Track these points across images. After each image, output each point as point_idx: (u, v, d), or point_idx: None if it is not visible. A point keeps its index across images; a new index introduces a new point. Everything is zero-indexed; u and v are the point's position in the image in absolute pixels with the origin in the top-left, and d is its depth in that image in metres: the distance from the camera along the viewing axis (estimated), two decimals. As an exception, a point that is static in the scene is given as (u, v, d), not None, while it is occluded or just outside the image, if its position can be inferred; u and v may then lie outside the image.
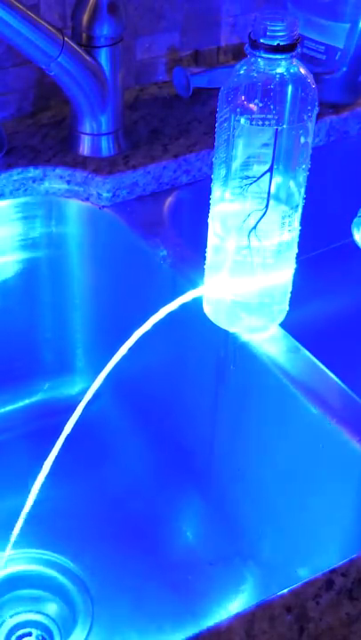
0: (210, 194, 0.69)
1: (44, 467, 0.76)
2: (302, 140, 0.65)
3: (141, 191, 0.90)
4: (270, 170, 0.65)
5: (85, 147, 0.91)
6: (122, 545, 0.87)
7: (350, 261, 0.90)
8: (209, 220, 0.70)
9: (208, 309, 0.74)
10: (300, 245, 0.70)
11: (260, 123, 0.63)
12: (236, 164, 0.66)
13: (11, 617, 0.82)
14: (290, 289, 0.73)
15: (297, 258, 0.71)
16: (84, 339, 0.99)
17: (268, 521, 0.81)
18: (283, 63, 0.62)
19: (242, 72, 0.63)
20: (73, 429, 0.76)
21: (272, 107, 0.63)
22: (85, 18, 0.85)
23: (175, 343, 0.85)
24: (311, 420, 0.70)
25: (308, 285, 0.79)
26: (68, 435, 0.76)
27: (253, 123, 0.63)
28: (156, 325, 0.73)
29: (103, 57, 0.87)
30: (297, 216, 0.68)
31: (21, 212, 0.91)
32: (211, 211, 0.70)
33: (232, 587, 0.83)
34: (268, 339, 0.75)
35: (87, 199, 0.90)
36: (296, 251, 0.70)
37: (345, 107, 1.00)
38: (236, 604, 0.82)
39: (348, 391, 0.71)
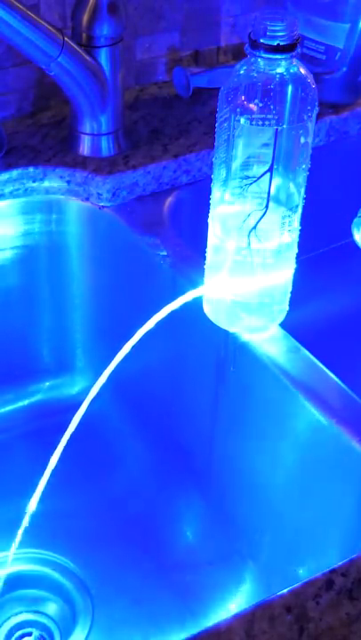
0: (210, 194, 0.69)
1: (48, 467, 0.76)
2: (302, 140, 0.65)
3: (141, 191, 0.91)
4: (270, 170, 0.65)
5: (85, 147, 0.91)
6: (122, 545, 0.87)
7: (350, 261, 0.90)
8: (209, 220, 0.70)
9: (208, 309, 0.74)
10: (300, 245, 0.70)
11: (260, 123, 0.63)
12: (236, 164, 0.66)
13: (11, 617, 0.82)
14: (290, 289, 0.73)
15: (297, 258, 0.71)
16: (84, 339, 0.99)
17: (267, 521, 0.81)
18: (283, 63, 0.62)
19: (242, 72, 0.63)
20: (73, 429, 0.76)
21: (272, 107, 0.63)
22: (85, 18, 0.85)
23: (175, 343, 0.85)
24: (311, 420, 0.70)
25: (308, 285, 0.79)
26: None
27: (253, 123, 0.63)
28: (156, 325, 0.73)
29: (103, 57, 0.87)
30: (297, 216, 0.68)
31: (21, 212, 0.91)
32: (211, 211, 0.70)
33: (232, 587, 0.83)
34: (268, 339, 0.75)
35: (87, 199, 0.90)
36: (296, 251, 0.70)
37: (345, 107, 1.00)
38: (235, 603, 0.82)
39: (349, 391, 0.71)
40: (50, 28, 0.82)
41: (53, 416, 0.99)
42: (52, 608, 0.83)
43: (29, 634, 0.82)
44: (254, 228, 0.67)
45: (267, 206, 0.66)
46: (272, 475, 0.78)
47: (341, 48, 0.96)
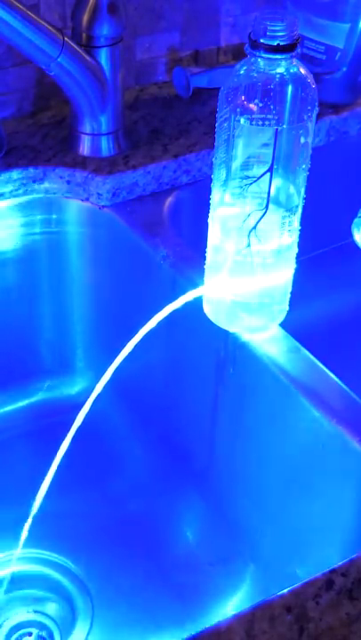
0: (210, 194, 0.69)
1: (51, 468, 0.76)
2: (302, 140, 0.65)
3: (141, 191, 0.91)
4: (270, 170, 0.65)
5: (85, 147, 0.91)
6: (122, 545, 0.87)
7: (350, 262, 0.90)
8: (209, 220, 0.70)
9: (208, 309, 0.74)
10: (300, 245, 0.70)
11: (260, 123, 0.63)
12: (236, 164, 0.66)
13: (11, 617, 0.82)
14: (290, 289, 0.73)
15: (297, 258, 0.71)
16: (84, 339, 0.99)
17: (268, 521, 0.81)
18: (283, 63, 0.62)
19: (242, 72, 0.63)
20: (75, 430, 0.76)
21: (272, 107, 0.63)
22: (85, 18, 0.85)
23: (175, 343, 0.85)
24: (311, 420, 0.70)
25: (308, 285, 0.79)
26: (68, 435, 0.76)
27: (253, 123, 0.63)
28: (156, 325, 0.73)
29: (103, 57, 0.87)
30: (297, 216, 0.68)
31: (21, 212, 0.91)
32: (211, 211, 0.70)
33: (232, 587, 0.83)
34: (268, 339, 0.75)
35: (87, 199, 0.90)
36: (296, 251, 0.70)
37: (345, 107, 1.00)
38: (235, 604, 0.82)
39: (349, 391, 0.71)
40: (50, 28, 0.82)
41: (53, 416, 0.99)
42: (52, 608, 0.83)
43: (29, 634, 0.82)
44: (254, 228, 0.67)
45: (267, 206, 0.66)
46: (272, 475, 0.78)
47: (341, 48, 0.96)
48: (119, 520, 0.89)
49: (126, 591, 0.83)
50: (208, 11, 1.03)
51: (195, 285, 0.75)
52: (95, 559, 0.86)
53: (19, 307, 0.96)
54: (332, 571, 0.57)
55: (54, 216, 0.92)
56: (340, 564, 0.58)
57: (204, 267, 0.73)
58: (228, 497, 0.86)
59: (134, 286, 0.91)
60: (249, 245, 0.68)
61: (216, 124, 0.66)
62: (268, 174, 0.65)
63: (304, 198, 0.68)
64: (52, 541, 0.85)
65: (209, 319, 0.74)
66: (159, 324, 0.73)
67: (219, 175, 0.67)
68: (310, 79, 0.64)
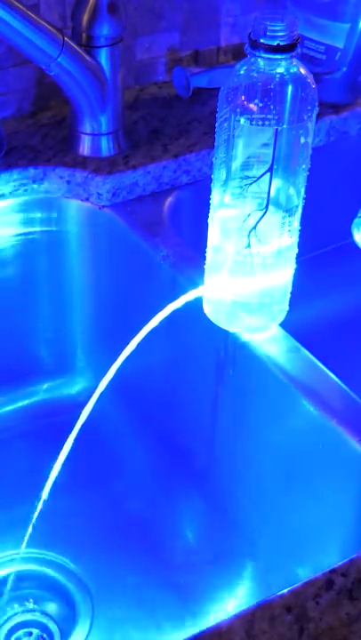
0: (210, 194, 0.69)
1: (54, 469, 0.76)
2: (302, 140, 0.65)
3: (141, 191, 0.90)
4: (270, 170, 0.65)
5: (85, 147, 0.91)
6: (122, 545, 0.87)
7: (350, 262, 0.90)
8: (209, 220, 0.70)
9: (208, 309, 0.74)
10: (300, 246, 0.70)
11: (260, 123, 0.63)
12: (236, 164, 0.66)
13: (11, 617, 0.82)
14: (290, 289, 0.73)
15: (297, 258, 0.71)
16: (84, 339, 0.99)
17: (268, 521, 0.81)
18: (283, 63, 0.62)
19: (242, 72, 0.63)
20: (73, 430, 0.76)
21: (272, 107, 0.63)
22: (85, 18, 0.85)
23: (175, 343, 0.85)
24: (311, 420, 0.70)
25: (308, 285, 0.79)
26: (68, 435, 0.76)
27: (253, 123, 0.63)
28: (156, 325, 0.73)
29: (103, 57, 0.87)
30: (297, 216, 0.68)
31: (21, 212, 0.91)
32: (211, 211, 0.70)
33: (232, 587, 0.83)
34: (268, 339, 0.75)
35: (87, 199, 0.90)
36: (296, 251, 0.70)
37: (345, 107, 1.00)
38: (235, 603, 0.82)
39: (349, 391, 0.71)
40: (50, 27, 0.82)
41: (53, 416, 0.99)
42: (52, 608, 0.83)
43: (29, 634, 0.82)
44: (254, 228, 0.67)
45: (267, 206, 0.66)
46: (272, 474, 0.78)
47: (341, 48, 0.96)
48: (119, 519, 0.89)
49: (126, 591, 0.83)
50: (208, 11, 1.03)
51: (195, 285, 0.75)
52: (95, 559, 0.86)
53: (19, 307, 0.96)
54: (332, 571, 0.57)
55: (54, 216, 0.92)
56: (340, 563, 0.58)
57: (204, 267, 0.73)
58: (228, 497, 0.86)
59: (134, 286, 0.91)
60: (249, 245, 0.68)
61: (216, 124, 0.66)
62: (268, 174, 0.65)
63: (304, 198, 0.68)
64: (52, 541, 0.85)
65: (209, 319, 0.74)
66: (159, 324, 0.73)
67: (219, 175, 0.67)
68: (310, 79, 0.64)
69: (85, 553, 0.86)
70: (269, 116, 0.63)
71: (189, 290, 0.75)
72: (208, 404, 0.84)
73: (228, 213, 0.68)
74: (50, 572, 0.85)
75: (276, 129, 0.63)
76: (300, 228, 0.69)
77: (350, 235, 0.83)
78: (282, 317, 0.74)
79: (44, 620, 0.83)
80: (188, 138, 0.94)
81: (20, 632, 0.82)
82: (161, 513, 0.89)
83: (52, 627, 0.82)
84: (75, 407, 0.98)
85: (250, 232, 0.67)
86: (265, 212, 0.66)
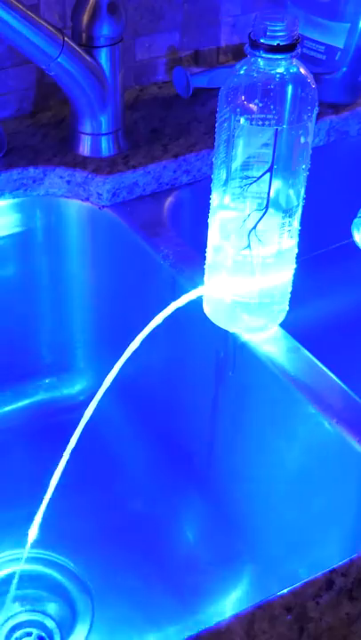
0: (210, 194, 0.69)
1: (57, 471, 0.76)
2: (302, 140, 0.65)
3: (141, 191, 0.90)
4: (270, 170, 0.65)
5: (85, 147, 0.91)
6: (122, 545, 0.87)
7: (350, 262, 0.90)
8: (209, 220, 0.70)
9: (208, 309, 0.74)
10: (300, 246, 0.70)
11: (260, 123, 0.63)
12: (236, 164, 0.66)
13: (11, 617, 0.82)
14: (290, 289, 0.73)
15: (297, 258, 0.71)
16: (84, 339, 0.99)
17: (268, 521, 0.81)
18: (283, 63, 0.62)
19: (242, 72, 0.63)
20: (73, 430, 0.76)
21: (272, 107, 0.63)
22: (85, 18, 0.85)
23: (175, 343, 0.85)
24: (311, 420, 0.70)
25: (308, 285, 0.79)
26: (68, 435, 0.76)
27: (253, 123, 0.63)
28: (156, 325, 0.73)
29: (103, 57, 0.87)
30: (297, 216, 0.68)
31: (21, 212, 0.91)
32: (211, 211, 0.70)
33: (232, 587, 0.83)
34: (268, 339, 0.75)
35: (87, 199, 0.90)
36: (296, 251, 0.70)
37: (345, 107, 1.00)
38: (235, 603, 0.82)
39: (349, 391, 0.71)
40: (50, 27, 0.82)
41: (53, 416, 0.99)
42: (52, 608, 0.83)
43: (29, 634, 0.82)
44: (254, 228, 0.67)
45: (267, 206, 0.66)
46: (272, 475, 0.78)
47: (341, 48, 0.96)
48: (119, 520, 0.89)
49: (126, 591, 0.83)
50: (208, 11, 1.03)
51: (195, 285, 0.75)
52: (95, 559, 0.86)
53: (19, 307, 0.96)
54: (332, 571, 0.57)
55: (54, 216, 0.92)
56: (340, 563, 0.58)
57: (204, 267, 0.73)
58: (228, 497, 0.86)
59: (134, 286, 0.91)
60: (249, 246, 0.68)
61: (216, 124, 0.66)
62: (268, 174, 0.65)
63: (304, 198, 0.68)
64: (52, 541, 0.85)
65: (209, 319, 0.74)
66: (159, 324, 0.73)
67: (219, 175, 0.67)
68: (310, 79, 0.64)
69: (85, 553, 0.86)
70: (269, 116, 0.63)
71: (189, 290, 0.75)
72: (208, 403, 0.84)
73: (228, 214, 0.68)
74: (50, 571, 0.85)
75: (276, 129, 0.63)
76: (300, 228, 0.69)
77: (350, 235, 0.83)
78: (282, 317, 0.74)
79: (44, 620, 0.82)
80: (188, 138, 0.94)
81: (20, 632, 0.82)
82: (161, 513, 0.89)
83: (52, 627, 0.82)
84: (75, 407, 0.98)
85: (250, 232, 0.67)
86: (265, 213, 0.66)
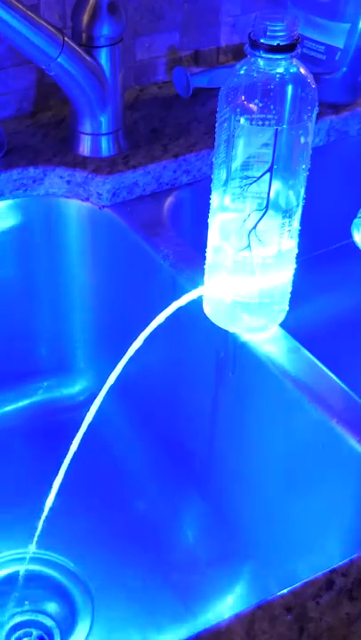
0: (210, 194, 0.69)
1: (60, 472, 0.76)
2: (302, 139, 0.65)
3: (141, 191, 0.90)
4: (270, 170, 0.65)
5: (85, 147, 0.91)
6: (122, 545, 0.87)
7: (350, 262, 0.90)
8: (209, 220, 0.70)
9: (208, 309, 0.74)
10: (300, 246, 0.70)
11: (260, 123, 0.63)
12: (236, 164, 0.66)
13: (11, 617, 0.82)
14: (290, 289, 0.73)
15: (297, 258, 0.71)
16: (84, 339, 0.99)
17: (267, 521, 0.81)
18: (283, 63, 0.62)
19: (242, 72, 0.63)
20: (73, 430, 0.76)
21: (272, 107, 0.63)
22: (85, 18, 0.85)
23: (175, 343, 0.85)
24: (311, 419, 0.70)
25: (308, 285, 0.79)
26: (68, 435, 0.76)
27: (253, 123, 0.63)
28: (156, 325, 0.73)
29: (103, 57, 0.87)
30: (297, 216, 0.68)
31: (21, 212, 0.91)
32: (211, 211, 0.70)
33: (232, 586, 0.83)
34: (268, 339, 0.75)
35: (87, 199, 0.90)
36: (296, 251, 0.70)
37: (345, 107, 1.00)
38: (235, 603, 0.82)
39: (349, 391, 0.71)
40: (50, 27, 0.82)
41: (53, 416, 0.99)
42: (52, 608, 0.83)
43: (29, 634, 0.82)
44: (254, 228, 0.67)
45: (267, 207, 0.66)
46: (272, 475, 0.78)
47: (341, 48, 0.96)
48: (119, 520, 0.89)
49: (127, 591, 0.83)
50: (208, 11, 1.03)
51: (195, 285, 0.75)
52: (95, 559, 0.86)
53: (19, 306, 0.96)
54: (333, 571, 0.57)
55: (54, 216, 0.92)
56: (340, 563, 0.58)
57: (204, 267, 0.73)
58: (227, 497, 0.86)
59: (134, 286, 0.91)
60: (249, 246, 0.68)
61: (216, 124, 0.66)
62: (268, 174, 0.65)
63: (304, 198, 0.68)
64: (52, 541, 0.85)
65: (209, 319, 0.74)
66: (160, 324, 0.73)
67: (219, 175, 0.67)
68: (310, 79, 0.64)
69: (85, 553, 0.86)
70: (269, 116, 0.63)
71: (189, 290, 0.75)
72: (208, 403, 0.84)
73: (228, 214, 0.68)
74: (50, 571, 0.85)
75: (276, 129, 0.63)
76: (300, 228, 0.69)
77: (350, 235, 0.83)
78: (282, 317, 0.74)
79: (45, 620, 0.82)
80: (188, 138, 0.94)
81: (20, 632, 0.82)
82: (161, 513, 0.89)
83: (52, 627, 0.82)
84: (75, 407, 0.98)
85: (250, 232, 0.67)
86: (265, 213, 0.66)
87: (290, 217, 0.67)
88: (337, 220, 0.85)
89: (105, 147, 0.91)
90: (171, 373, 0.90)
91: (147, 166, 0.90)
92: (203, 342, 0.81)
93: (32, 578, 0.84)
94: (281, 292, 0.72)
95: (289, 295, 0.73)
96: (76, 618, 0.82)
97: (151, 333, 0.73)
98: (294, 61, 0.63)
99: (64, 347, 1.00)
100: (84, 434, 0.76)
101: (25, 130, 0.95)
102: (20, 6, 0.79)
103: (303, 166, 0.66)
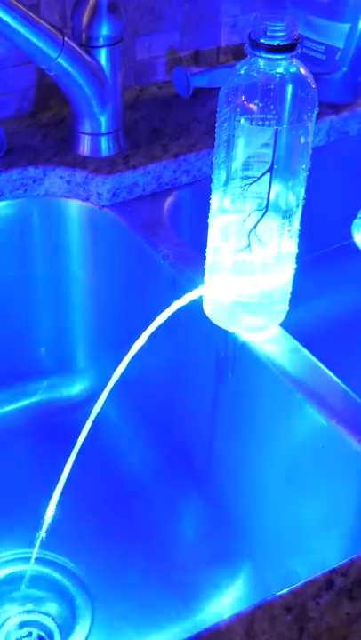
0: (210, 194, 0.69)
1: (63, 473, 0.76)
2: (302, 139, 0.65)
3: (141, 191, 0.91)
4: (270, 170, 0.65)
5: (85, 147, 0.91)
6: (122, 544, 0.87)
7: (350, 262, 0.90)
8: (209, 220, 0.70)
9: (208, 309, 0.74)
10: (300, 246, 0.70)
11: (260, 123, 0.63)
12: (236, 165, 0.66)
13: (11, 617, 0.82)
14: (290, 289, 0.73)
15: (297, 258, 0.71)
16: (84, 339, 0.99)
17: (267, 521, 0.81)
18: (283, 63, 0.62)
19: (242, 72, 0.63)
20: (73, 430, 0.76)
21: (272, 107, 0.63)
22: (85, 18, 0.85)
23: (175, 343, 0.85)
24: (311, 419, 0.70)
25: (308, 285, 0.79)
26: (68, 435, 0.76)
27: (253, 123, 0.63)
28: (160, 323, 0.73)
29: (103, 57, 0.87)
30: (297, 217, 0.68)
31: (21, 212, 0.91)
32: (211, 211, 0.70)
33: (232, 586, 0.83)
34: (268, 339, 0.75)
35: (87, 199, 0.90)
36: (296, 251, 0.70)
37: (345, 107, 1.00)
38: (235, 603, 0.82)
39: (349, 391, 0.71)
40: (50, 27, 0.82)
41: (53, 416, 0.99)
42: (52, 608, 0.83)
43: (29, 634, 0.82)
44: (254, 228, 0.67)
45: (267, 207, 0.66)
46: (272, 475, 0.78)
47: (341, 48, 0.96)
48: (119, 519, 0.89)
49: (126, 590, 0.83)
50: (208, 11, 1.03)
51: (195, 285, 0.75)
52: (95, 559, 0.86)
53: (18, 306, 0.96)
54: (333, 571, 0.57)
55: (54, 216, 0.92)
56: (340, 563, 0.58)
57: (204, 267, 0.73)
58: (227, 496, 0.86)
59: (134, 286, 0.91)
60: (249, 246, 0.68)
61: (216, 124, 0.66)
62: (268, 174, 0.65)
63: (304, 198, 0.68)
64: (51, 541, 0.85)
65: (209, 319, 0.74)
66: (160, 324, 0.73)
67: (219, 175, 0.67)
68: (310, 79, 0.64)
69: (85, 553, 0.86)
70: (269, 116, 0.63)
71: (189, 290, 0.75)
72: (208, 403, 0.84)
73: (227, 214, 0.68)
74: (50, 572, 0.85)
75: (276, 129, 0.63)
76: (300, 228, 0.69)
77: (350, 235, 0.83)
78: (282, 317, 0.74)
79: (44, 620, 0.82)
80: (188, 138, 0.94)
81: (20, 632, 0.82)
82: (161, 513, 0.89)
83: (52, 627, 0.82)
84: (75, 407, 0.98)
85: (250, 232, 0.67)
86: (265, 213, 0.66)
87: (290, 217, 0.67)
88: (337, 220, 0.85)
89: (105, 147, 0.91)
90: (171, 373, 0.90)
91: (147, 166, 0.90)
92: (203, 342, 0.81)
93: (32, 578, 0.84)
94: (281, 292, 0.72)
95: (289, 295, 0.73)
96: (76, 618, 0.82)
97: (151, 333, 0.73)
98: (294, 61, 0.63)
99: (64, 347, 1.00)
100: (82, 432, 0.76)
101: (25, 130, 0.95)
102: (20, 6, 0.79)
103: (303, 166, 0.66)
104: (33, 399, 1.00)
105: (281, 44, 0.62)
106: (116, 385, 0.75)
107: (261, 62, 0.63)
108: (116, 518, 0.89)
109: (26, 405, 0.99)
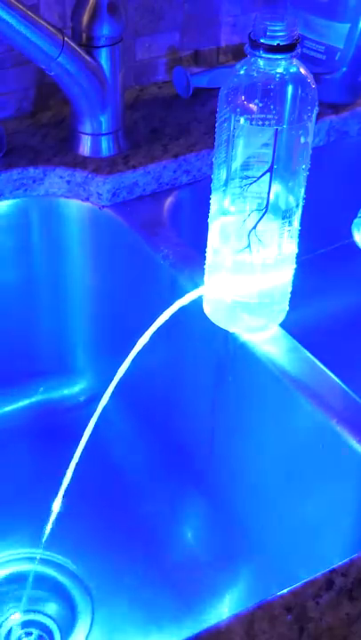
0: (210, 194, 0.69)
1: (68, 471, 0.76)
2: (302, 140, 0.65)
3: (141, 191, 0.91)
4: (270, 170, 0.65)
5: (85, 147, 0.91)
6: (122, 545, 0.87)
7: (350, 262, 0.90)
8: (209, 220, 0.70)
9: (208, 309, 0.74)
10: (300, 246, 0.70)
11: (260, 123, 0.63)
12: (236, 165, 0.66)
13: (11, 617, 0.82)
14: (290, 289, 0.73)
15: (297, 258, 0.71)
16: (84, 339, 0.99)
17: (267, 521, 0.81)
18: (283, 63, 0.62)
19: (242, 72, 0.63)
20: (73, 430, 0.76)
21: (272, 107, 0.63)
22: (85, 18, 0.85)
23: (175, 343, 0.85)
24: (311, 420, 0.70)
25: (308, 285, 0.79)
26: (68, 435, 0.76)
27: (253, 123, 0.63)
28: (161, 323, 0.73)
29: (103, 57, 0.87)
30: (297, 217, 0.68)
31: (21, 212, 0.91)
32: (211, 211, 0.70)
33: (232, 586, 0.83)
34: (268, 339, 0.75)
35: (87, 199, 0.90)
36: (296, 251, 0.70)
37: (345, 107, 1.00)
38: (235, 603, 0.82)
39: (349, 391, 0.71)
40: (50, 27, 0.82)
41: (53, 416, 0.99)
42: (52, 608, 0.83)
43: (29, 634, 0.82)
44: (254, 228, 0.67)
45: (267, 207, 0.66)
46: (272, 475, 0.78)
47: (341, 48, 0.96)
48: (119, 520, 0.89)
49: (127, 591, 0.83)
50: (208, 11, 1.03)
51: (195, 285, 0.75)
52: (95, 559, 0.86)
53: (18, 307, 0.96)
54: (333, 571, 0.57)
55: (54, 216, 0.92)
56: (340, 563, 0.58)
57: (204, 267, 0.73)
58: (228, 497, 0.86)
59: (134, 286, 0.91)
60: (249, 246, 0.68)
61: (216, 124, 0.66)
62: (268, 174, 0.65)
63: (304, 198, 0.68)
64: (51, 541, 0.85)
65: (209, 319, 0.74)
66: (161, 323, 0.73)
67: (219, 175, 0.67)
68: (310, 79, 0.64)
69: (85, 553, 0.86)
70: (269, 116, 0.63)
71: (189, 290, 0.75)
72: (208, 403, 0.84)
73: (228, 213, 0.68)
74: (50, 572, 0.85)
75: (276, 129, 0.63)
76: (300, 228, 0.69)
77: (350, 235, 0.83)
78: (282, 317, 0.74)
79: (44, 620, 0.82)
80: (188, 138, 0.94)
81: (21, 632, 0.82)
82: (161, 513, 0.89)
83: (53, 627, 0.82)
84: (75, 407, 0.98)
85: (250, 232, 0.67)
86: (265, 213, 0.66)
87: (290, 217, 0.67)
88: (337, 220, 0.85)
89: (105, 147, 0.91)
90: (171, 373, 0.90)
91: (147, 166, 0.90)
92: (203, 342, 0.81)
93: (32, 578, 0.84)
94: (281, 292, 0.72)
95: (289, 295, 0.73)
96: (76, 618, 0.82)
97: (152, 333, 0.73)
98: (294, 61, 0.63)
99: (64, 347, 1.00)
100: (84, 434, 0.76)
101: (25, 130, 0.95)
102: (20, 6, 0.79)
103: (303, 166, 0.66)
104: (33, 399, 1.00)
105: (281, 44, 0.62)
106: (116, 385, 0.75)
107: (261, 62, 0.63)
108: (117, 518, 0.89)
109: (26, 405, 0.99)
